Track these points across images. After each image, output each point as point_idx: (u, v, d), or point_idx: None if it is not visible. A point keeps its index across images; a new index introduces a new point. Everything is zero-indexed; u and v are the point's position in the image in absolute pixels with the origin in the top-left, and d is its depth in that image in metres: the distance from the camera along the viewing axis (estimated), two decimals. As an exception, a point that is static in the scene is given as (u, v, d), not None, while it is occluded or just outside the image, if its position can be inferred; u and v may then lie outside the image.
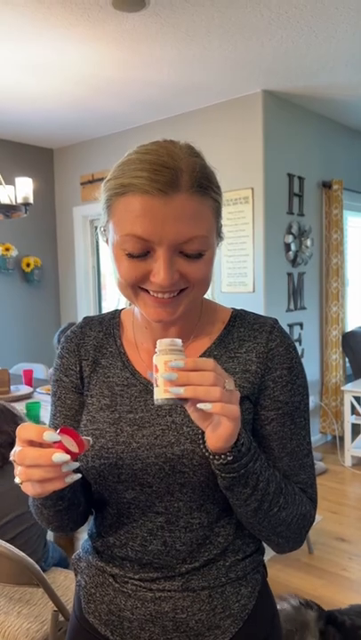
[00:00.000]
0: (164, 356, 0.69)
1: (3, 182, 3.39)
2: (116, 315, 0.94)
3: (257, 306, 3.93)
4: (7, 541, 1.53)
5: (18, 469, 0.68)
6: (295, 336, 4.29)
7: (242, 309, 0.91)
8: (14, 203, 3.40)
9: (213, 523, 0.82)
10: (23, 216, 3.48)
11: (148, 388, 0.84)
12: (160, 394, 0.68)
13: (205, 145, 3.43)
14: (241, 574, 0.85)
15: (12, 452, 0.69)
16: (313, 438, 4.57)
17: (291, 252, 4.13)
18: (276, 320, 0.88)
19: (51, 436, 0.66)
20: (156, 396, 0.69)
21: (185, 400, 0.67)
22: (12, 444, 1.80)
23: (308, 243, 4.28)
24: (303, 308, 4.36)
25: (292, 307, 4.23)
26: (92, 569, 0.88)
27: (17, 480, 0.69)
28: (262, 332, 0.84)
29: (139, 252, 0.73)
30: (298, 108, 4.16)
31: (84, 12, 2.64)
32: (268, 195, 3.90)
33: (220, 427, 0.67)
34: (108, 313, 0.95)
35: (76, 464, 0.69)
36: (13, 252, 4.82)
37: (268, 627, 0.89)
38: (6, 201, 3.40)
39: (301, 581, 2.63)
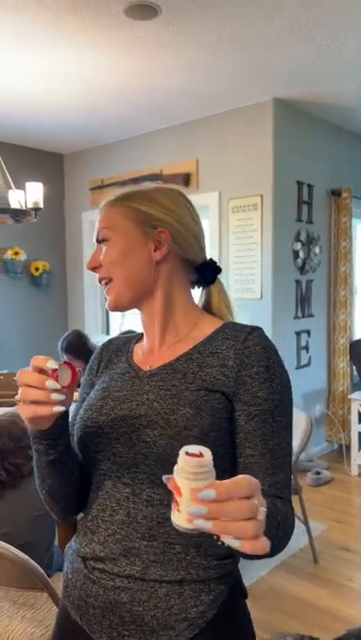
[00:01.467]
0: (191, 482, 0.60)
1: (13, 187, 3.41)
2: (140, 334, 1.09)
3: (264, 313, 3.93)
4: (18, 543, 1.53)
5: (19, 391, 0.78)
6: (302, 343, 4.28)
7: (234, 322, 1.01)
8: (24, 207, 3.42)
9: None
10: (33, 221, 3.50)
11: (138, 374, 0.96)
12: (182, 521, 0.61)
13: (215, 152, 3.49)
14: (203, 576, 0.86)
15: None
16: (319, 447, 4.55)
17: (299, 260, 4.13)
18: (260, 328, 0.95)
19: (51, 363, 0.78)
20: (175, 521, 0.62)
21: None
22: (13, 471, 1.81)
23: (317, 250, 4.28)
24: (311, 316, 4.35)
25: (299, 314, 4.22)
26: (73, 555, 0.95)
27: (16, 397, 0.78)
28: (243, 332, 0.92)
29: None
30: (308, 115, 4.17)
31: (95, 19, 2.66)
32: (277, 202, 3.91)
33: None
34: (137, 333, 1.11)
35: (63, 397, 0.78)
36: (22, 256, 4.84)
37: None
38: (16, 205, 3.42)
39: (306, 591, 2.61)
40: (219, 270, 1.03)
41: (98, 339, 4.87)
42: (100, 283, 0.99)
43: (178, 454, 0.64)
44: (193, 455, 0.61)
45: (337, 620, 2.37)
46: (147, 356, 0.99)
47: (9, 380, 3.17)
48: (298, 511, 2.95)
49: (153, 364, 0.96)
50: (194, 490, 0.59)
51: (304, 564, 2.85)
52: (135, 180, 4.64)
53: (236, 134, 4.03)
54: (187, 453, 0.61)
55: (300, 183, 4.11)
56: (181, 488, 0.61)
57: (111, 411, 0.91)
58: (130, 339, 1.08)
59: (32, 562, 1.49)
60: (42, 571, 1.51)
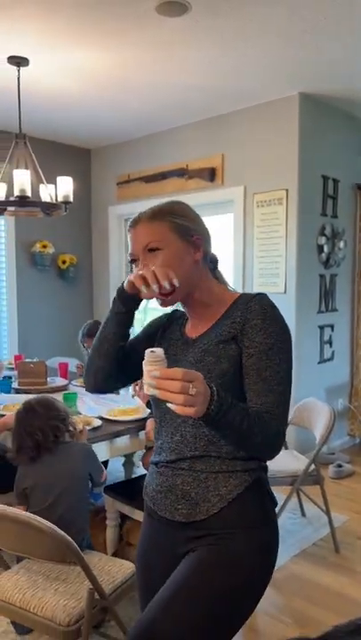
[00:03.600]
0: (147, 366, 1.00)
1: (44, 181, 3.49)
2: None
3: (288, 307, 3.96)
4: (56, 517, 1.62)
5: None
6: (326, 338, 4.30)
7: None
8: (55, 201, 3.50)
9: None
10: (63, 214, 3.58)
11: (187, 341, 1.31)
12: (145, 389, 1.02)
13: (241, 147, 3.57)
14: (231, 469, 1.21)
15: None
16: (341, 440, 4.57)
17: (323, 254, 4.15)
18: (264, 293, 1.24)
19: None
20: (144, 390, 1.03)
21: None
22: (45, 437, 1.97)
23: (341, 245, 4.29)
24: (335, 310, 4.36)
25: (323, 308, 4.24)
26: (151, 467, 1.35)
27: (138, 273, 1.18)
28: (248, 297, 1.24)
29: (133, 259, 1.28)
30: (334, 110, 4.18)
31: (126, 16, 2.72)
32: (302, 196, 3.93)
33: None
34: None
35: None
36: (50, 250, 4.95)
37: (258, 519, 1.23)
38: (47, 199, 3.51)
39: (328, 579, 2.66)
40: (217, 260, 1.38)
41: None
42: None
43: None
44: (151, 351, 1.01)
45: (358, 606, 2.41)
46: (192, 328, 1.34)
47: (39, 369, 3.26)
48: (320, 502, 3.00)
49: (196, 334, 1.30)
50: (149, 371, 1.00)
51: (326, 553, 2.90)
52: (162, 175, 4.71)
53: (262, 129, 4.06)
54: (151, 351, 1.01)
55: (325, 177, 4.13)
56: (144, 371, 1.01)
57: (170, 367, 1.21)
58: (181, 315, 1.41)
59: (68, 537, 1.56)
60: (76, 546, 1.59)
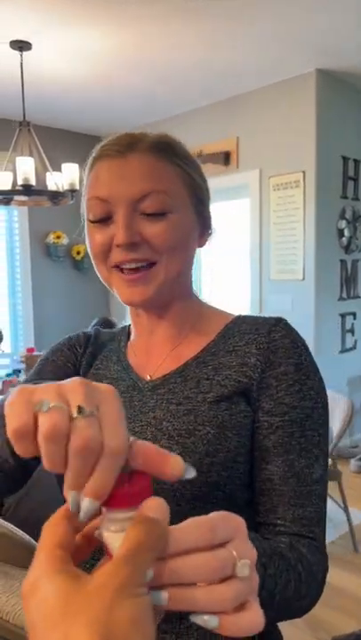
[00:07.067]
0: (115, 535, 0.35)
1: (50, 169, 3.41)
2: (126, 327, 0.89)
3: (307, 294, 3.79)
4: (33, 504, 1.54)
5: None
6: (348, 326, 4.11)
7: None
8: (61, 189, 3.41)
9: None
10: (70, 202, 3.49)
11: (136, 384, 0.77)
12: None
13: (256, 128, 3.36)
14: None
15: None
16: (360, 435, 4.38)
17: (344, 238, 3.95)
18: (285, 319, 0.77)
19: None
20: None
21: None
22: None
23: (364, 228, 4.08)
24: (357, 297, 4.16)
25: (344, 295, 4.04)
26: None
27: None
28: (266, 324, 0.74)
29: (100, 216, 0.72)
30: (354, 87, 3.96)
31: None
32: (320, 178, 3.74)
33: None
34: (121, 326, 0.91)
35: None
36: (64, 240, 4.88)
37: None
38: (53, 188, 3.43)
39: (345, 581, 2.51)
40: None
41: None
42: (123, 263, 0.71)
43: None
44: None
45: (373, 612, 2.26)
46: (142, 359, 0.79)
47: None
48: (338, 498, 2.84)
49: (155, 373, 0.76)
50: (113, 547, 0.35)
51: (343, 553, 2.74)
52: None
53: (278, 109, 3.88)
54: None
55: (345, 158, 3.92)
56: (109, 544, 0.35)
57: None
58: (114, 335, 0.88)
59: (29, 539, 1.47)
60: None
